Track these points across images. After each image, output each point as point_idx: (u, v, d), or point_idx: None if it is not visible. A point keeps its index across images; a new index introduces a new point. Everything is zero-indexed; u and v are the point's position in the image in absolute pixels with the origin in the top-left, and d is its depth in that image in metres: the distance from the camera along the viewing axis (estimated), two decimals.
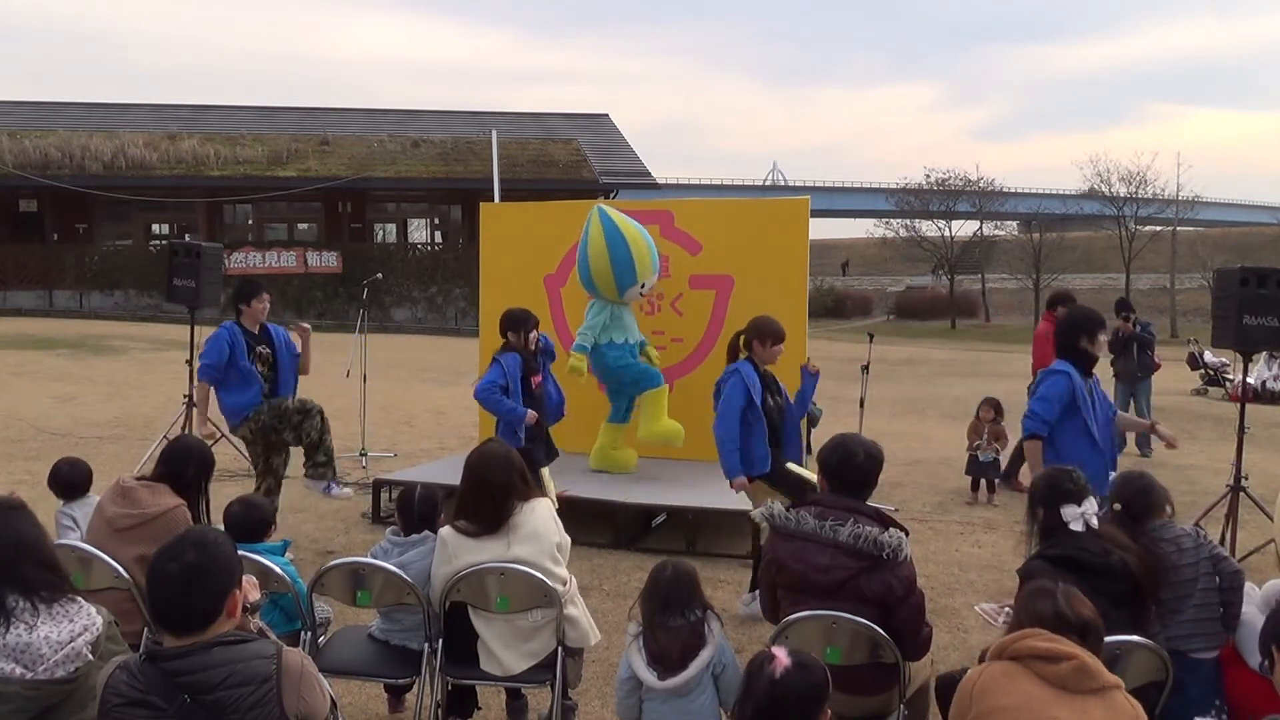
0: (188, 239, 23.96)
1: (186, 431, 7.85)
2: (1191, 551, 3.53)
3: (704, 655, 3.14)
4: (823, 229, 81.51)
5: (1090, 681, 2.49)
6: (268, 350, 6.31)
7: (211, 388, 6.20)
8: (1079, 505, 3.41)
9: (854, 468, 3.43)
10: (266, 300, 6.35)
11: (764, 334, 5.36)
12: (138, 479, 3.95)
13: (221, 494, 5.81)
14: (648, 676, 3.14)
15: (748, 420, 5.22)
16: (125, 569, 3.58)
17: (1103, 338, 4.97)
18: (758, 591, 5.36)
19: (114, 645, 2.62)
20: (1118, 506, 3.67)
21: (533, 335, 6.16)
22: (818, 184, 70.02)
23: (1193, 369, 18.17)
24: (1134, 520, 3.59)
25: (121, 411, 11.17)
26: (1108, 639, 2.87)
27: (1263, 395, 16.25)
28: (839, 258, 65.28)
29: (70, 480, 4.76)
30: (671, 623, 3.16)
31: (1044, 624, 2.61)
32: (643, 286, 7.25)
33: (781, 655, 2.47)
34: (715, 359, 7.65)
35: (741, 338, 5.48)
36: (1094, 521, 3.41)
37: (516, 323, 6.14)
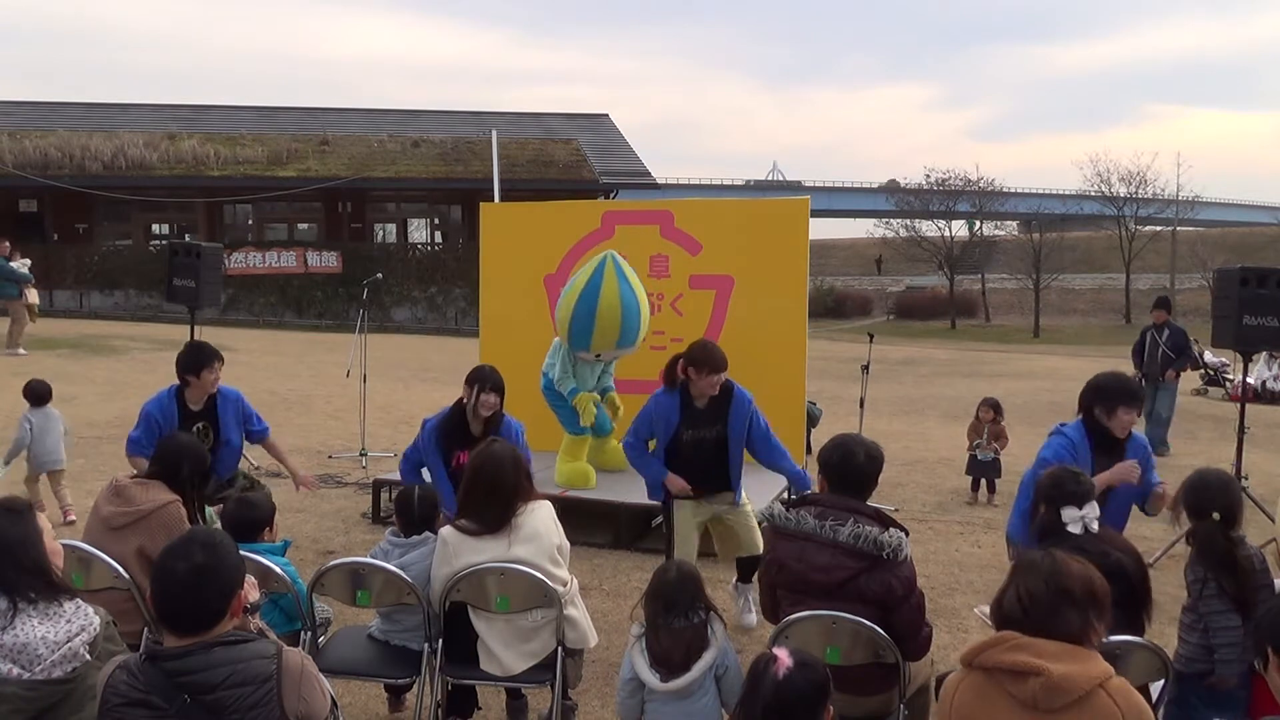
0: (188, 239, 23.97)
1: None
2: (1263, 574, 3.49)
3: (707, 657, 3.14)
4: (823, 229, 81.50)
5: (1062, 698, 2.30)
6: (207, 427, 5.47)
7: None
8: (1080, 509, 3.41)
9: (854, 468, 3.44)
10: (218, 369, 5.48)
11: (699, 363, 4.87)
12: (131, 477, 3.96)
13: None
14: (650, 678, 3.14)
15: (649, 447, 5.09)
16: (124, 565, 3.59)
17: (1124, 416, 4.39)
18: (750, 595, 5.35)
19: (112, 645, 2.62)
20: (1216, 516, 3.49)
21: (485, 399, 5.03)
22: (818, 184, 70.06)
23: (1193, 369, 18.17)
24: (1228, 526, 3.48)
25: (121, 411, 11.16)
26: (1107, 639, 2.86)
27: (1263, 395, 16.26)
28: (839, 258, 65.28)
29: (38, 391, 6.85)
30: (675, 624, 3.16)
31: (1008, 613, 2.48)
32: (597, 356, 6.66)
33: (783, 656, 2.48)
34: None
35: (680, 362, 5.00)
36: (1094, 526, 3.40)
37: (471, 380, 5.13)
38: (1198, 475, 3.72)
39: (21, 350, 15.44)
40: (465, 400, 5.12)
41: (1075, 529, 3.38)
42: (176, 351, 5.69)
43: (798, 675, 2.44)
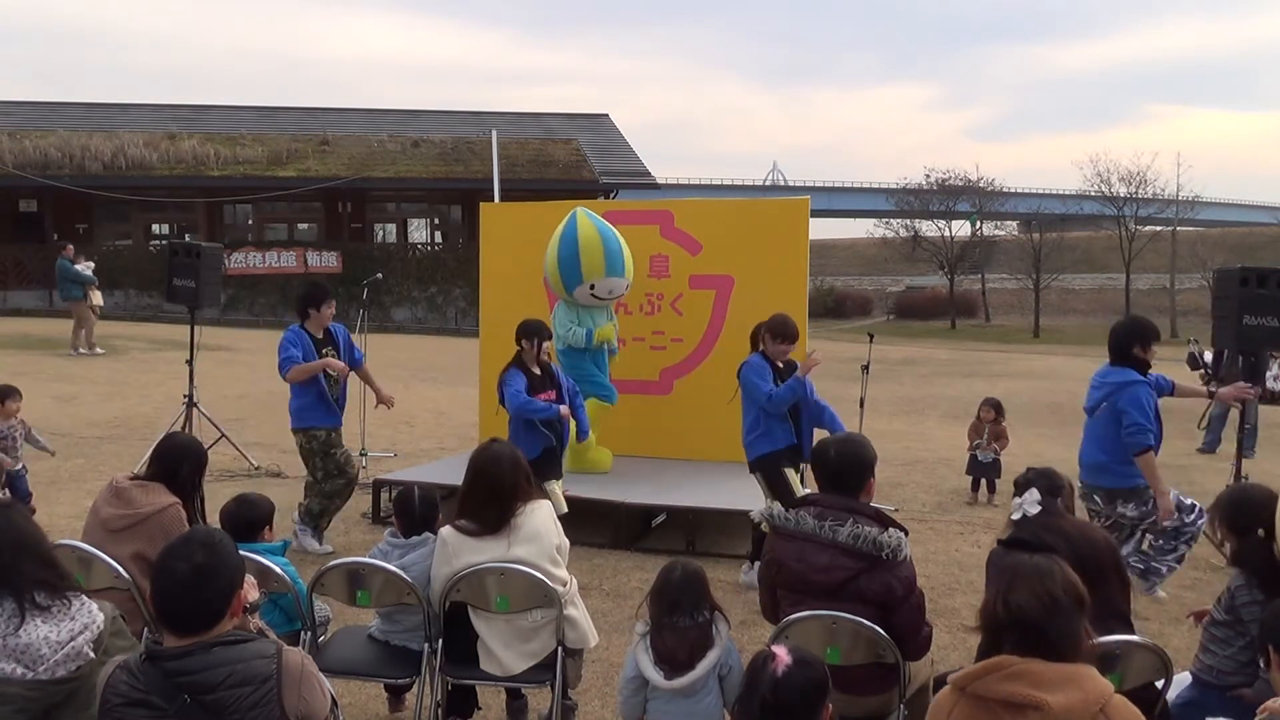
0: (188, 239, 23.96)
1: (187, 430, 7.85)
2: None
3: (711, 656, 3.15)
4: (823, 229, 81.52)
5: None
6: (333, 353, 6.58)
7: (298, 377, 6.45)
8: (1020, 496, 3.43)
9: (828, 463, 3.45)
10: (333, 306, 6.61)
11: (773, 331, 5.80)
12: (131, 479, 3.91)
13: (223, 494, 5.82)
14: (654, 676, 3.15)
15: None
16: (123, 567, 3.58)
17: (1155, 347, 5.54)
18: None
19: (119, 640, 2.62)
20: (1261, 533, 3.43)
21: (546, 345, 6.13)
22: (818, 184, 70.07)
23: (1193, 369, 18.15)
24: (1270, 540, 3.44)
25: (121, 411, 11.17)
26: (1105, 639, 2.86)
27: (1263, 395, 16.24)
28: (839, 258, 65.35)
29: None
30: (680, 623, 3.16)
31: (994, 621, 2.42)
32: (592, 287, 7.11)
33: (782, 653, 2.47)
34: (715, 359, 7.66)
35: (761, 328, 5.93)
36: (1032, 510, 3.37)
37: (530, 332, 6.11)
38: (1242, 492, 3.66)
39: (99, 349, 15.62)
40: (528, 348, 6.04)
41: (1015, 515, 3.40)
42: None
43: (796, 672, 2.44)
